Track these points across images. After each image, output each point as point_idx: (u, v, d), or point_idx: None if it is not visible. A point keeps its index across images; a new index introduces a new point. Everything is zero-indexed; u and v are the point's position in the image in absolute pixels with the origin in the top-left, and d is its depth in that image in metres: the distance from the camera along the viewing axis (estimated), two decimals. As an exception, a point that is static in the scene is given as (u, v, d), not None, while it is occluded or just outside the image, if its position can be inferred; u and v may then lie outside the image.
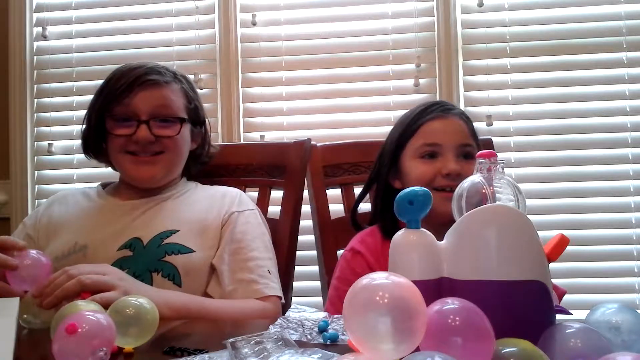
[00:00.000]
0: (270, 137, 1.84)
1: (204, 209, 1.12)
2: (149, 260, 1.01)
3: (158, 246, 1.03)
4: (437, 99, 1.79)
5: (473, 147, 1.06)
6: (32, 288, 0.79)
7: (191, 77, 1.79)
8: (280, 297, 1.07)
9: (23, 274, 0.79)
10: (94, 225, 1.08)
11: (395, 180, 1.12)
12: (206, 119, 1.23)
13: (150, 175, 1.10)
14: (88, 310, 0.61)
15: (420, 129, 1.07)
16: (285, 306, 1.11)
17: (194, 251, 1.04)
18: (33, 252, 0.82)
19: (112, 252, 1.02)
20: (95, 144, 1.15)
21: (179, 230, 1.06)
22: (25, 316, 0.79)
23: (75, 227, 1.08)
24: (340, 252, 1.27)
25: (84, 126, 1.15)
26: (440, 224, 1.02)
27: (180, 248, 1.03)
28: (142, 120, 1.07)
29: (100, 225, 1.08)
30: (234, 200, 1.15)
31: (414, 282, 0.47)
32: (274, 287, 1.06)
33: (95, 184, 1.23)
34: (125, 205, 1.12)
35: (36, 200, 1.93)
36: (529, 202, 0.62)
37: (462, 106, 1.79)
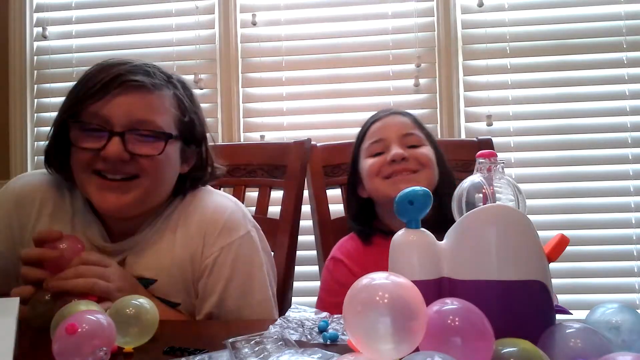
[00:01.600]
0: (271, 137, 1.84)
1: (181, 251, 0.91)
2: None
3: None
4: (437, 99, 1.80)
5: (418, 136, 1.11)
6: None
7: (190, 77, 1.82)
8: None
9: (61, 261, 0.79)
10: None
11: (362, 189, 1.15)
12: (207, 135, 0.99)
13: (118, 205, 0.85)
14: (88, 310, 0.61)
15: (367, 133, 1.14)
16: (285, 306, 1.11)
17: (179, 304, 0.90)
18: (66, 238, 0.81)
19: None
20: (58, 156, 0.90)
21: (156, 280, 0.89)
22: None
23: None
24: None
25: (50, 134, 0.91)
26: None
27: (164, 302, 0.89)
28: (115, 131, 0.82)
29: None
30: (211, 237, 0.91)
31: (414, 282, 0.47)
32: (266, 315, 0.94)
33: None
34: (106, 249, 0.91)
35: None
36: (529, 202, 0.62)
37: (462, 106, 1.79)
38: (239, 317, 0.90)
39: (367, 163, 1.10)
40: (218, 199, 0.98)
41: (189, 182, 0.97)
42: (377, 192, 1.08)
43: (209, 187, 1.03)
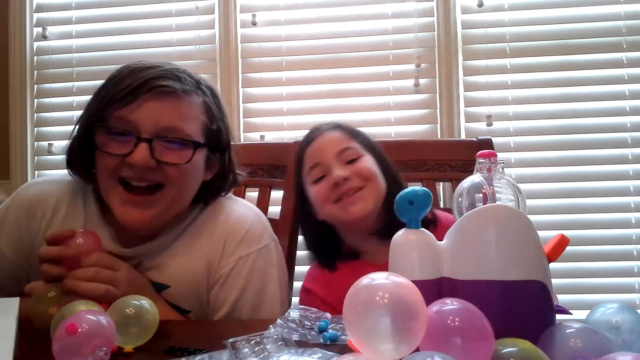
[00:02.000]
0: (271, 137, 1.84)
1: (196, 261, 0.91)
2: None
3: None
4: (437, 99, 1.79)
5: (354, 148, 1.04)
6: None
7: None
8: None
9: (79, 257, 0.79)
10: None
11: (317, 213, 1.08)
12: (231, 143, 0.97)
13: (141, 221, 0.84)
14: (88, 310, 0.61)
15: (303, 158, 1.07)
16: (285, 306, 1.11)
17: (189, 312, 0.90)
18: (81, 234, 0.81)
19: None
20: (82, 159, 0.88)
21: (169, 287, 0.89)
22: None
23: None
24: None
25: (73, 134, 0.88)
26: (367, 232, 1.02)
27: (176, 308, 0.89)
28: (142, 138, 0.80)
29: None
30: (228, 248, 0.91)
31: (414, 282, 0.47)
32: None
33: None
34: (117, 253, 0.88)
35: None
36: (529, 202, 0.62)
37: (462, 106, 1.79)
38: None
39: (312, 191, 1.04)
40: (240, 209, 0.98)
41: (211, 190, 0.95)
42: (332, 218, 1.03)
43: (231, 195, 1.03)
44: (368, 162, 1.04)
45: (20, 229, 0.91)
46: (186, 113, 0.85)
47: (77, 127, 0.87)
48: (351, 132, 1.08)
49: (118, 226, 0.89)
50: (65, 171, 0.94)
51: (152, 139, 0.81)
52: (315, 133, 1.08)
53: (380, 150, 1.10)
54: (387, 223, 1.00)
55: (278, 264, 0.97)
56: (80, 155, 0.87)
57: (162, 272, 0.89)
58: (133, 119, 0.81)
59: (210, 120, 0.90)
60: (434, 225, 1.04)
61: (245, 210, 0.98)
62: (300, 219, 1.15)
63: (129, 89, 0.81)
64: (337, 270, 1.05)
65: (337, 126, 1.09)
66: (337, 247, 1.08)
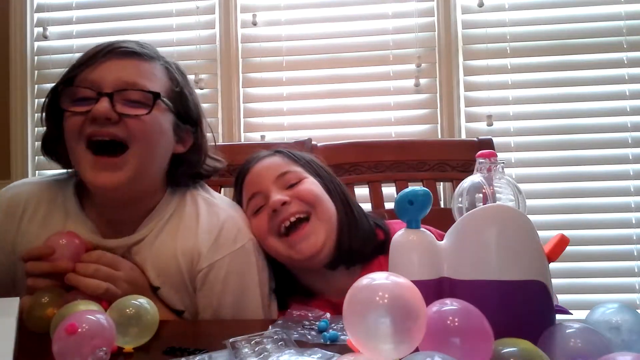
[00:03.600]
0: (271, 137, 1.84)
1: (181, 257, 0.89)
2: None
3: None
4: (438, 99, 1.79)
5: (294, 172, 0.94)
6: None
7: (191, 77, 1.81)
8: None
9: (59, 255, 0.79)
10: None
11: None
12: (203, 121, 0.97)
13: (111, 183, 0.82)
14: (88, 310, 0.61)
15: (242, 189, 0.98)
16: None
17: (183, 311, 0.89)
18: (64, 236, 0.82)
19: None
20: (53, 140, 0.89)
21: (159, 288, 0.88)
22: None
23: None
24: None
25: (42, 119, 0.90)
26: (322, 267, 0.91)
27: (169, 307, 0.89)
28: (104, 92, 0.81)
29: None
30: (208, 246, 0.89)
31: (414, 282, 0.47)
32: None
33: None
34: (99, 246, 0.87)
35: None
36: (529, 202, 0.62)
37: (462, 106, 1.79)
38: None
39: (253, 225, 0.93)
40: (213, 209, 0.94)
41: (185, 166, 0.94)
42: (278, 254, 0.91)
43: (208, 188, 1.01)
44: (311, 184, 0.93)
45: (2, 231, 0.90)
46: (147, 72, 0.86)
47: (43, 109, 0.88)
48: (292, 157, 0.98)
49: (99, 220, 0.89)
50: (59, 171, 0.95)
51: (113, 93, 0.81)
52: (252, 161, 0.99)
53: (329, 172, 1.00)
54: (345, 250, 0.91)
55: (258, 264, 0.92)
56: (53, 138, 0.89)
57: (149, 269, 0.88)
58: (94, 77, 0.82)
59: (173, 84, 0.89)
60: (382, 249, 0.93)
61: (217, 210, 0.93)
62: None
63: (91, 54, 0.84)
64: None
65: (277, 152, 1.00)
66: (291, 286, 0.96)
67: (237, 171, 1.01)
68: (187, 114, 0.92)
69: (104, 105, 0.80)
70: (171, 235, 0.90)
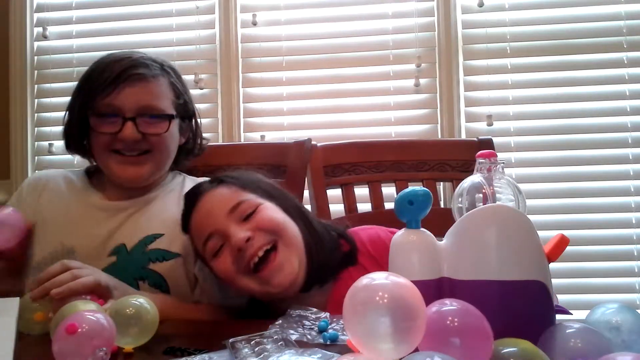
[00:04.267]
0: (271, 137, 1.84)
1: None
2: (133, 267, 0.97)
3: (142, 253, 0.99)
4: (438, 99, 1.79)
5: (248, 200, 0.87)
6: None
7: (191, 77, 1.82)
8: None
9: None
10: (79, 227, 1.02)
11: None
12: (195, 112, 1.16)
13: (137, 176, 1.03)
14: (88, 310, 0.61)
15: (192, 233, 0.92)
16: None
17: (179, 255, 1.00)
18: (8, 210, 0.91)
19: (101, 258, 0.97)
20: (78, 141, 1.07)
21: (163, 235, 1.01)
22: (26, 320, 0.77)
23: (60, 226, 1.02)
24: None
25: (66, 121, 1.08)
26: (293, 295, 0.84)
27: (164, 254, 0.99)
28: (127, 117, 0.99)
29: (87, 227, 1.01)
30: None
31: (414, 282, 0.47)
32: None
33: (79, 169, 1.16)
34: (110, 207, 1.05)
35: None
36: (529, 202, 0.62)
37: (462, 106, 1.79)
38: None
39: (217, 268, 0.86)
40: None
41: (184, 152, 1.15)
42: (253, 292, 0.85)
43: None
44: (269, 210, 0.87)
45: (27, 199, 1.09)
46: (158, 93, 1.03)
47: (69, 115, 1.06)
48: (239, 184, 0.91)
49: (109, 189, 1.08)
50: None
51: (135, 117, 0.99)
52: (196, 198, 0.91)
53: (280, 190, 0.95)
54: (316, 270, 0.87)
55: None
56: (76, 137, 1.07)
57: (152, 221, 1.03)
58: (117, 103, 0.99)
59: (176, 96, 1.08)
60: (350, 260, 0.91)
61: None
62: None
63: (109, 80, 0.99)
64: None
65: (220, 181, 0.92)
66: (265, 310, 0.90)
67: (181, 213, 0.94)
68: (186, 114, 1.12)
69: (130, 129, 0.99)
70: (175, 199, 1.07)
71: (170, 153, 1.08)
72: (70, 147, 1.09)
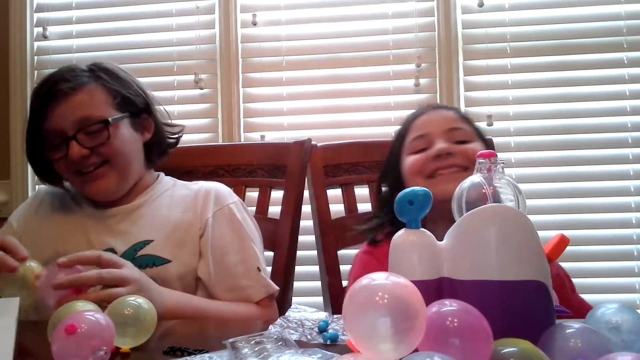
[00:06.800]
0: (271, 137, 1.83)
1: (179, 213, 1.06)
2: None
3: (132, 259, 0.97)
4: (438, 99, 1.79)
5: (466, 131, 1.02)
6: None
7: (191, 77, 1.82)
8: (272, 293, 1.05)
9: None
10: (72, 235, 1.03)
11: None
12: (150, 102, 1.11)
13: (103, 190, 1.03)
14: (87, 311, 0.61)
15: (408, 128, 1.06)
16: (285, 306, 1.11)
17: (169, 261, 1.00)
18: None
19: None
20: (47, 172, 1.07)
21: (153, 240, 1.00)
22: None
23: (54, 234, 1.04)
24: (340, 253, 1.27)
25: (28, 158, 1.07)
26: (446, 217, 0.94)
27: (154, 260, 0.99)
28: (69, 136, 0.98)
29: (79, 235, 1.03)
30: (208, 201, 1.08)
31: (414, 282, 0.47)
32: (265, 285, 1.04)
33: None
34: (101, 215, 1.06)
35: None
36: (529, 202, 0.62)
37: (462, 106, 1.79)
38: (235, 283, 1.01)
39: (408, 161, 1.00)
40: (199, 184, 1.14)
41: (156, 146, 1.12)
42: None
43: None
44: (479, 147, 0.97)
45: (30, 209, 1.12)
46: (87, 101, 1.00)
47: (27, 152, 1.05)
48: (465, 117, 1.07)
49: (97, 201, 1.07)
50: None
51: (76, 134, 0.98)
52: (427, 108, 1.08)
53: (492, 147, 1.07)
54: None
55: (251, 218, 1.13)
56: (43, 170, 1.07)
57: (142, 227, 1.02)
58: (54, 126, 0.99)
59: (113, 96, 1.03)
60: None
61: (202, 183, 1.15)
62: (380, 191, 1.13)
63: (39, 105, 0.99)
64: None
65: (453, 107, 1.09)
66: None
67: (411, 114, 1.09)
68: (137, 108, 1.07)
69: (75, 148, 0.97)
70: (165, 203, 1.08)
71: (129, 157, 1.05)
72: (44, 179, 1.10)
